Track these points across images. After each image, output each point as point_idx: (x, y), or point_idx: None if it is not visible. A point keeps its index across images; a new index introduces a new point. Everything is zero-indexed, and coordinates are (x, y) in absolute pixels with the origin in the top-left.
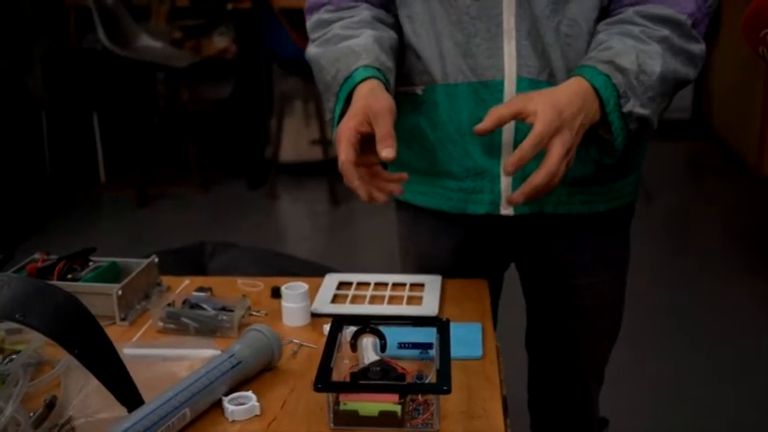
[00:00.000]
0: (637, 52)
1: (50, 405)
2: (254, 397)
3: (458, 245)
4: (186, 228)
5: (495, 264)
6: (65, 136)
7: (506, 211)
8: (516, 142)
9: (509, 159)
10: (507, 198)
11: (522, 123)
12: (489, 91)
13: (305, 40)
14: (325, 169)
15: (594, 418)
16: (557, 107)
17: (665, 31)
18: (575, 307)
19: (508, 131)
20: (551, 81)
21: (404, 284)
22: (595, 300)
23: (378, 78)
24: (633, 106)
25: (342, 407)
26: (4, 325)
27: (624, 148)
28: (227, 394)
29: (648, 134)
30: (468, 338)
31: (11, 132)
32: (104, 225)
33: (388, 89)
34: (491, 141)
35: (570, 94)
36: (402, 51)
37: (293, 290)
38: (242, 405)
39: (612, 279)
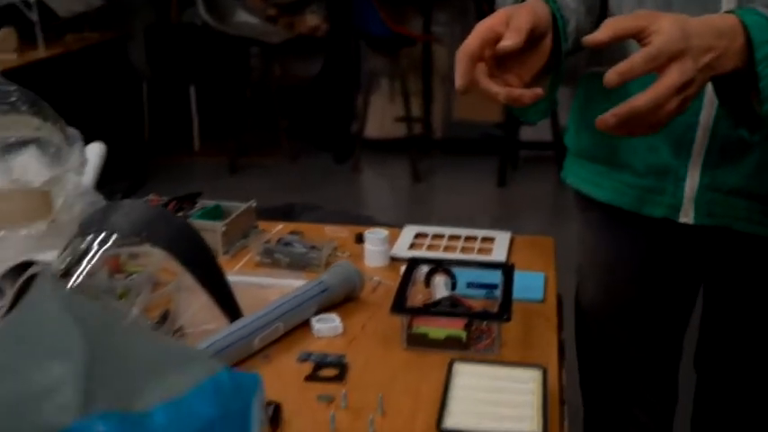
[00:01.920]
0: None
1: (164, 317)
2: (338, 319)
3: (640, 252)
4: (273, 196)
5: (685, 278)
6: (163, 106)
7: (685, 218)
8: (711, 145)
9: (615, 68)
10: (597, 120)
11: (722, 129)
12: None
13: (393, 19)
14: (409, 146)
15: None
16: (685, 31)
17: None
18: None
19: (704, 131)
20: None
21: (476, 237)
22: None
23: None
24: None
25: (414, 330)
26: (125, 249)
27: None
28: (315, 315)
29: None
30: (531, 284)
31: (113, 101)
32: (197, 190)
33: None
34: (682, 139)
35: (705, 24)
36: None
37: (375, 234)
38: (327, 324)
39: None
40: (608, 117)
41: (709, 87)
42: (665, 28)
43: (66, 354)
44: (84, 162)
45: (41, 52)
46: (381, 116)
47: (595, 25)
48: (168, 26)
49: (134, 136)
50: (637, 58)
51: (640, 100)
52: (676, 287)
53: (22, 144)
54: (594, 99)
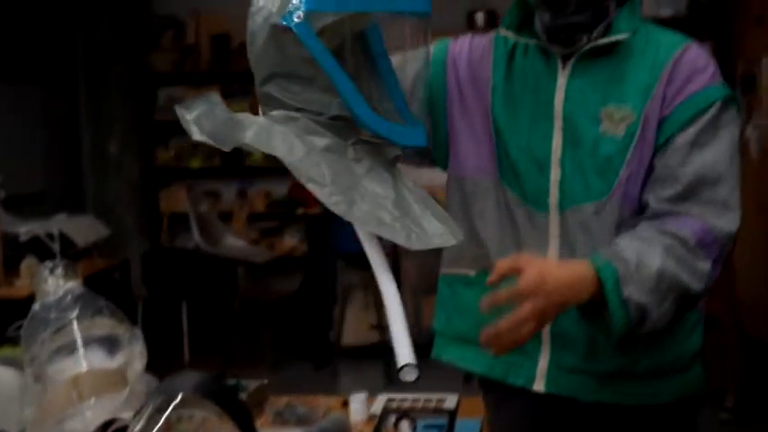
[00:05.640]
0: (639, 249)
1: None
2: None
3: (508, 413)
4: None
5: None
6: (157, 323)
7: (538, 387)
8: (553, 338)
9: (486, 298)
10: (483, 334)
11: (559, 328)
12: None
13: None
14: (382, 352)
15: None
16: (542, 275)
17: (670, 241)
18: None
19: (547, 328)
20: None
21: (432, 399)
22: None
23: None
24: (632, 293)
25: None
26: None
27: (653, 346)
28: None
29: (660, 333)
30: (470, 427)
31: None
32: None
33: None
34: None
35: (564, 269)
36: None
37: (358, 396)
38: None
39: None
40: (483, 335)
41: None
42: (527, 273)
43: None
44: (143, 352)
45: None
46: (357, 325)
47: None
48: (161, 251)
49: None
50: (502, 294)
51: (502, 324)
52: None
53: (101, 339)
54: (460, 291)
